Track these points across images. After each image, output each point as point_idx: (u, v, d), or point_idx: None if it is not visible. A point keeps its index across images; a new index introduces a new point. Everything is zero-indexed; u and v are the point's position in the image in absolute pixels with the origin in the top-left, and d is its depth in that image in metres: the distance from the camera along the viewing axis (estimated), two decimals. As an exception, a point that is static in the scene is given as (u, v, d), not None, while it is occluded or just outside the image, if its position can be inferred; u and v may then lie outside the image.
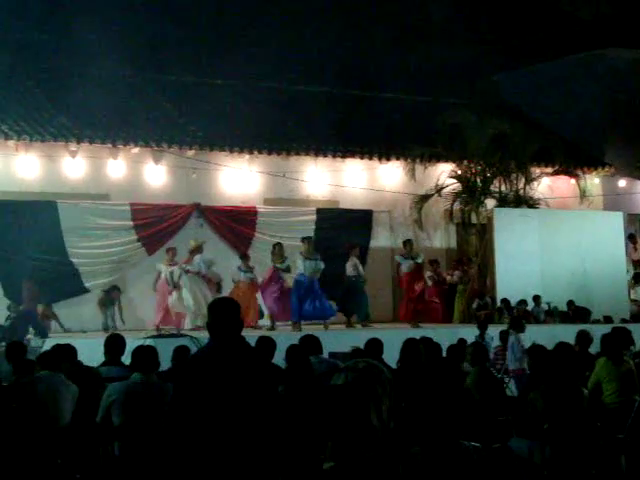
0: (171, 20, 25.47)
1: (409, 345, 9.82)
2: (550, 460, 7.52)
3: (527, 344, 15.03)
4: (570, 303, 20.25)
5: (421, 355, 9.76)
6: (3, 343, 14.28)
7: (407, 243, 19.87)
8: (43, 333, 16.29)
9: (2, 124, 18.87)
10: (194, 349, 10.54)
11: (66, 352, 9.32)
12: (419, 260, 19.48)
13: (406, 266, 19.45)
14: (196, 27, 25.60)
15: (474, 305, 20.40)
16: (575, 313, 19.96)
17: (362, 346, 9.89)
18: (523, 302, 20.01)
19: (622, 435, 8.64)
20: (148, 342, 11.31)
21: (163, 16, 25.48)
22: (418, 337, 10.50)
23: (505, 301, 19.96)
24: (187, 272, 17.93)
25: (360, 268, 18.87)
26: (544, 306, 20.25)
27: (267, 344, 9.16)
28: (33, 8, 23.83)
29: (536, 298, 20.16)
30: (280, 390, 7.46)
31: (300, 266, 17.51)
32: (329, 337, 15.31)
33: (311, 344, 9.47)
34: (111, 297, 18.49)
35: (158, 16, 25.36)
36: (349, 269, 18.70)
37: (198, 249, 18.30)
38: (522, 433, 7.64)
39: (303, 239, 18.08)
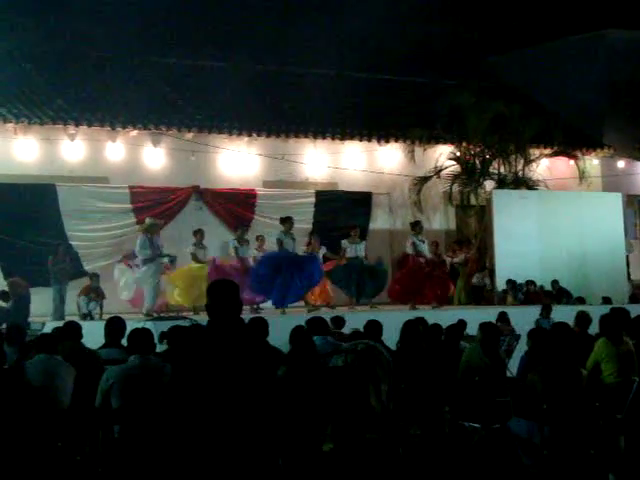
0: (170, 2, 25.41)
1: (409, 327, 9.82)
2: (549, 440, 7.54)
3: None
4: (554, 282, 20.20)
5: (421, 337, 9.77)
6: (4, 325, 14.30)
7: (416, 225, 19.30)
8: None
9: (0, 107, 18.83)
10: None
11: (71, 331, 9.33)
12: (426, 246, 18.89)
13: (421, 247, 18.54)
14: (195, 10, 25.55)
15: (474, 280, 20.48)
16: (559, 293, 19.91)
17: (361, 328, 9.90)
18: (531, 282, 19.98)
19: (621, 415, 8.66)
20: (148, 325, 11.34)
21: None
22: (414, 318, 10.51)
23: (511, 282, 19.92)
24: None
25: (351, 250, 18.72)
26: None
27: (259, 325, 9.16)
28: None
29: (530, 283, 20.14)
30: (283, 371, 7.48)
31: (290, 245, 17.25)
32: (328, 319, 15.34)
33: (317, 325, 9.46)
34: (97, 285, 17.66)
35: (156, -2, 25.28)
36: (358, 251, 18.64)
37: (148, 229, 16.79)
38: (521, 414, 7.66)
39: (283, 219, 17.70)
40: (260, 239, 18.51)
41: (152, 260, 16.58)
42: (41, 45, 22.02)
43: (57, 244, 17.81)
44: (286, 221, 17.39)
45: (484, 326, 9.75)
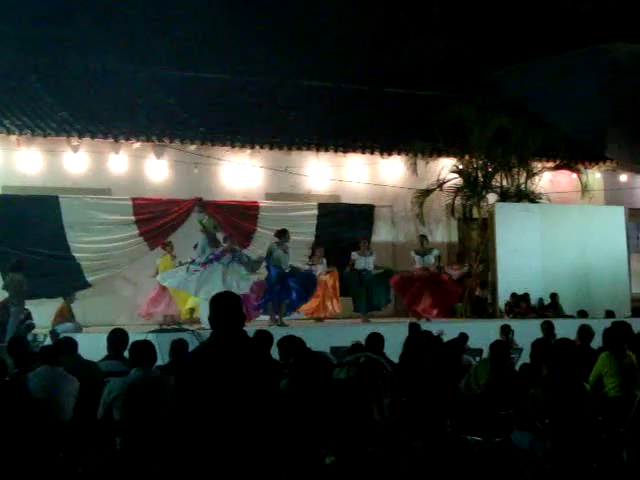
0: (172, 15, 25.50)
1: (411, 340, 9.82)
2: (551, 454, 7.52)
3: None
4: (553, 295, 20.25)
5: (423, 350, 9.77)
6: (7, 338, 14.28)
7: (422, 238, 19.34)
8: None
9: (4, 118, 18.87)
10: (196, 343, 10.56)
11: (66, 345, 9.35)
12: (432, 258, 18.95)
13: (419, 262, 18.77)
14: (197, 22, 25.63)
15: (476, 293, 20.53)
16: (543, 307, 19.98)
17: (363, 341, 9.88)
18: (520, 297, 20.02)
19: (624, 429, 8.64)
20: (149, 337, 11.33)
21: (164, 11, 25.51)
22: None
23: (515, 296, 19.92)
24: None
25: (361, 262, 18.65)
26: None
27: (264, 338, 9.13)
28: (35, 2, 23.85)
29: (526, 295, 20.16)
30: (284, 384, 7.47)
31: (283, 258, 17.09)
32: (330, 332, 15.36)
33: (290, 343, 9.32)
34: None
35: (159, 11, 25.39)
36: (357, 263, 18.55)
37: (207, 228, 16.53)
38: (523, 427, 7.64)
39: (279, 232, 17.25)
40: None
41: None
42: (45, 57, 22.08)
43: (15, 260, 17.04)
44: (282, 234, 17.11)
45: (493, 345, 9.74)
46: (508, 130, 21.96)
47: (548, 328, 13.84)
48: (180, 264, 17.29)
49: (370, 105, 24.30)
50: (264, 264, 17.09)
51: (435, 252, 19.14)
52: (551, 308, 19.86)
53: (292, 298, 17.00)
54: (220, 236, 16.83)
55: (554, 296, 20.13)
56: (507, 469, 7.02)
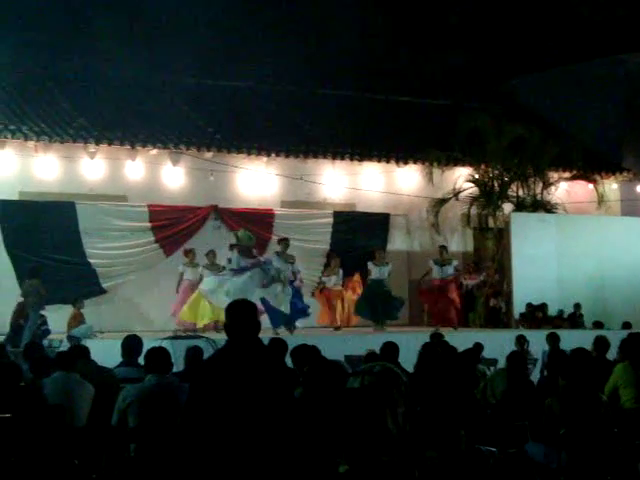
0: (189, 22, 25.58)
1: (427, 349, 9.80)
2: (566, 465, 7.48)
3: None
4: (577, 306, 20.21)
5: (439, 359, 9.73)
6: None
7: (442, 249, 19.45)
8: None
9: (22, 125, 18.96)
10: (210, 350, 10.57)
11: (78, 352, 9.38)
12: (451, 269, 19.00)
13: (437, 272, 18.93)
14: (214, 29, 25.69)
15: (491, 304, 20.51)
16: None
17: (378, 349, 9.87)
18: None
19: (639, 441, 8.59)
20: (164, 343, 11.35)
21: (180, 18, 25.59)
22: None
23: (531, 306, 19.88)
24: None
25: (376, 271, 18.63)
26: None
27: (278, 346, 9.11)
28: (53, 10, 23.99)
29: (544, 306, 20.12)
30: (299, 392, 7.47)
31: (286, 268, 17.06)
32: (345, 340, 15.35)
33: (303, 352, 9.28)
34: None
35: (175, 18, 25.47)
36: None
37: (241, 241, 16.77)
38: (538, 438, 7.61)
39: (280, 240, 17.53)
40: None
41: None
42: (63, 64, 22.20)
43: (32, 266, 17.19)
44: (282, 242, 17.27)
45: (511, 356, 9.70)
46: (524, 139, 21.95)
47: (552, 340, 13.72)
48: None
49: (386, 114, 24.31)
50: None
51: (454, 263, 19.18)
52: (569, 319, 19.81)
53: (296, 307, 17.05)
54: (255, 250, 16.88)
55: (577, 306, 20.10)
56: (521, 480, 7.00)
